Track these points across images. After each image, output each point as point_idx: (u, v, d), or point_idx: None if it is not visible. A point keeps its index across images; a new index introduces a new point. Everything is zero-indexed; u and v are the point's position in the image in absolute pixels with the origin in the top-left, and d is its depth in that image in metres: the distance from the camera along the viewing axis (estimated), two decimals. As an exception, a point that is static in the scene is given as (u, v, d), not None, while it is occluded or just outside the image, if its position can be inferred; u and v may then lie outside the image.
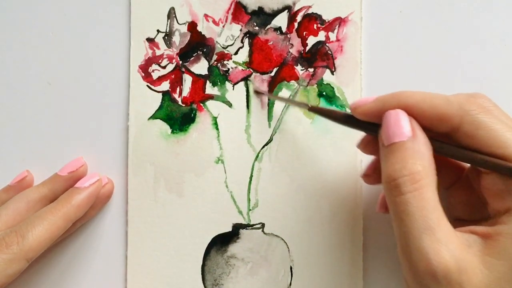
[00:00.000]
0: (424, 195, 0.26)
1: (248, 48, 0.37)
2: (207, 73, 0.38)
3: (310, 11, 0.37)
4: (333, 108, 0.33)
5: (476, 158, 0.27)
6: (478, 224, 0.28)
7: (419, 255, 0.25)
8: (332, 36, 0.37)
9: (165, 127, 0.37)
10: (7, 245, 0.31)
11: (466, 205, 0.31)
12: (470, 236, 0.27)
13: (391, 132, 0.28)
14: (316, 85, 0.37)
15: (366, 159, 0.36)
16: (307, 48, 0.37)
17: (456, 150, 0.28)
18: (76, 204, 0.34)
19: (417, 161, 0.27)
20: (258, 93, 0.37)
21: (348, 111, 0.36)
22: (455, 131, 0.28)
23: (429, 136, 0.28)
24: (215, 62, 0.38)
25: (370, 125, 0.30)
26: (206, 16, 0.38)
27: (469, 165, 0.31)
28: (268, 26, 0.37)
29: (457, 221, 0.30)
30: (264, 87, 0.37)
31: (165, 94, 0.38)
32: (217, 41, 0.38)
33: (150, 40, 0.38)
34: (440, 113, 0.27)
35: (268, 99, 0.37)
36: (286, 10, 0.37)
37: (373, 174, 0.33)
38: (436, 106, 0.27)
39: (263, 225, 0.37)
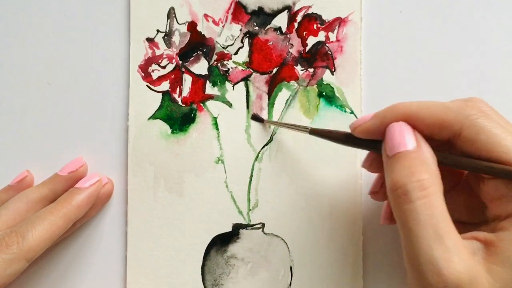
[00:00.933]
0: (433, 202, 0.25)
1: (248, 48, 0.37)
2: (207, 73, 0.38)
3: (310, 11, 0.37)
4: (332, 129, 0.32)
5: (480, 165, 0.27)
6: (478, 226, 0.28)
7: (429, 265, 0.25)
8: (332, 36, 0.37)
9: (165, 127, 0.37)
10: (7, 245, 0.31)
11: (466, 208, 0.31)
12: (473, 243, 0.27)
13: (396, 142, 0.27)
14: (316, 85, 0.37)
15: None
16: (307, 48, 0.37)
17: (459, 160, 0.28)
18: (76, 204, 0.34)
19: (424, 169, 0.26)
20: (256, 119, 0.37)
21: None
22: (456, 137, 0.27)
23: (431, 147, 0.28)
24: (215, 62, 0.38)
25: (371, 142, 0.30)
26: (206, 16, 0.38)
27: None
28: (268, 26, 0.37)
29: (456, 224, 0.30)
30: (264, 115, 0.37)
31: (165, 94, 0.38)
32: (217, 41, 0.38)
33: (150, 40, 0.38)
34: (440, 120, 0.27)
35: (268, 99, 0.37)
36: (286, 10, 0.37)
37: (381, 190, 0.33)
38: (435, 114, 0.27)
39: (263, 225, 0.37)
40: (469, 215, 0.31)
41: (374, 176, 0.35)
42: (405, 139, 0.27)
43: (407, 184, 0.26)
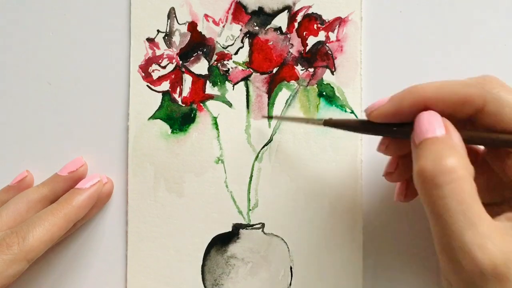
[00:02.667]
0: (463, 187, 0.25)
1: (248, 48, 0.37)
2: (207, 73, 0.38)
3: (310, 11, 0.37)
4: (347, 118, 0.32)
5: (507, 139, 0.27)
6: (500, 206, 0.28)
7: (463, 253, 0.24)
8: (332, 36, 0.37)
9: (165, 127, 0.37)
10: (7, 245, 0.31)
11: (486, 189, 0.30)
12: (508, 223, 0.26)
13: (424, 129, 0.27)
14: (316, 85, 0.37)
15: (366, 159, 0.37)
16: (307, 48, 0.37)
17: (486, 135, 0.28)
18: (77, 205, 0.34)
19: (453, 154, 0.26)
20: (267, 117, 0.37)
21: (350, 114, 0.37)
22: (479, 112, 0.27)
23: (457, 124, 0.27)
24: (215, 62, 0.38)
25: (387, 127, 0.29)
26: (206, 16, 0.38)
27: (484, 148, 0.31)
28: (268, 26, 0.37)
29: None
30: (264, 114, 0.37)
31: (165, 94, 0.38)
32: (217, 41, 0.38)
33: (150, 40, 0.38)
34: (462, 96, 0.27)
35: (268, 99, 0.37)
36: (286, 10, 0.37)
37: (396, 171, 0.32)
38: (455, 91, 0.27)
39: (263, 225, 0.37)
40: (490, 196, 0.30)
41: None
42: (433, 125, 0.27)
43: (435, 169, 0.25)
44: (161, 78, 0.38)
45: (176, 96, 0.38)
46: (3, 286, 0.31)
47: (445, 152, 0.26)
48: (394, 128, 0.29)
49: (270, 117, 0.37)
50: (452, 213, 0.24)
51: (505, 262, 0.24)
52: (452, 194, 0.24)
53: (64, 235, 0.35)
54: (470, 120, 0.28)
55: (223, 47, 0.38)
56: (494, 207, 0.28)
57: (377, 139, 0.33)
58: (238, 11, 0.37)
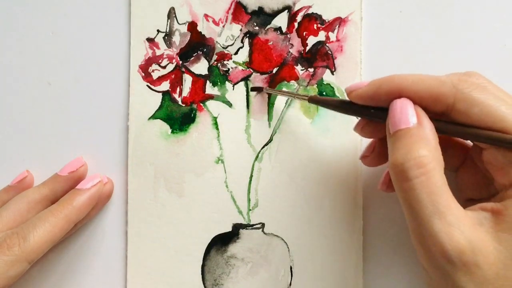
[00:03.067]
0: (432, 179, 0.26)
1: (248, 48, 0.37)
2: (207, 73, 0.38)
3: (310, 11, 0.37)
4: (330, 97, 0.34)
5: (470, 132, 0.28)
6: (487, 201, 0.29)
7: (432, 240, 0.25)
8: (332, 36, 0.37)
9: (165, 127, 0.37)
10: (8, 246, 0.31)
11: (474, 185, 0.31)
12: (481, 213, 0.27)
13: (397, 119, 0.28)
14: (316, 85, 0.37)
15: None
16: (307, 48, 0.37)
17: (452, 127, 0.28)
18: (77, 205, 0.34)
19: (423, 146, 0.27)
20: (256, 89, 0.37)
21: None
22: (450, 110, 0.28)
23: (429, 116, 0.28)
24: (215, 62, 0.38)
25: (366, 108, 0.30)
26: (206, 16, 0.38)
27: (472, 144, 0.32)
28: (268, 26, 0.37)
29: (468, 202, 0.30)
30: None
31: (165, 94, 0.38)
32: (217, 41, 0.38)
33: (150, 40, 0.38)
34: (434, 93, 0.28)
35: (268, 99, 0.37)
36: (286, 10, 0.37)
37: (371, 155, 0.33)
38: (429, 87, 0.28)
39: (263, 225, 0.37)
40: (478, 192, 0.31)
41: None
42: (405, 115, 0.28)
43: (405, 163, 0.26)
44: (161, 78, 0.38)
45: (176, 96, 0.38)
46: (4, 287, 0.31)
47: (416, 144, 0.27)
48: (372, 111, 0.30)
49: (258, 89, 0.37)
50: (422, 204, 0.26)
51: (472, 249, 0.25)
52: (422, 187, 0.26)
53: (65, 235, 0.35)
54: (443, 115, 0.28)
55: (223, 47, 0.38)
56: (482, 203, 0.29)
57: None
58: (238, 11, 0.37)
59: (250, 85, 0.37)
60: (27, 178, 0.37)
